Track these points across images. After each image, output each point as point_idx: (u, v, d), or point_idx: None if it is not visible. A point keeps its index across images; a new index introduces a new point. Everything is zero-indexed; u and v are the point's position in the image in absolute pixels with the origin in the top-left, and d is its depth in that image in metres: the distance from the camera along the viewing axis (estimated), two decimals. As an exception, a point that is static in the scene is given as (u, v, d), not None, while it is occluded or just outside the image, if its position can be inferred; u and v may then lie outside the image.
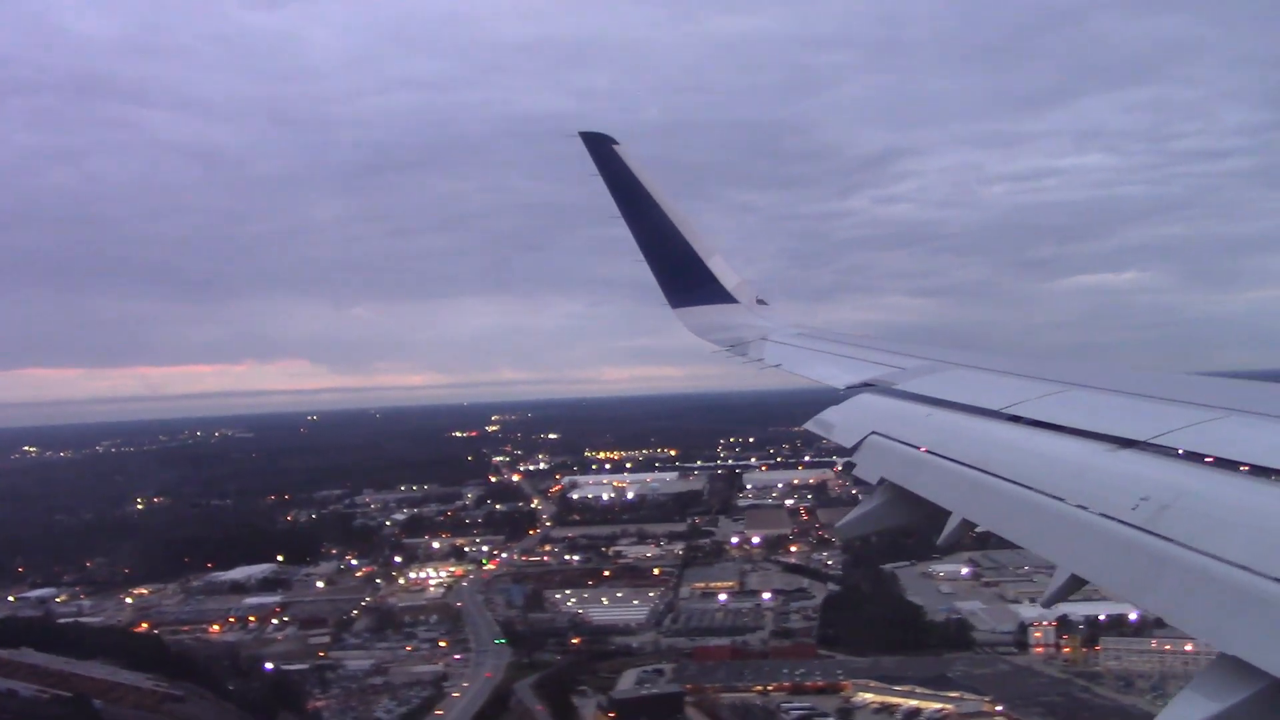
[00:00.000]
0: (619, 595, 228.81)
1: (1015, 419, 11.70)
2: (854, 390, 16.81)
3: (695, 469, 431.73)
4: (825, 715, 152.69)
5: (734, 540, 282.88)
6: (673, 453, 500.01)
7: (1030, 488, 9.50)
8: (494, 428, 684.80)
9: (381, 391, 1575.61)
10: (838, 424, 15.55)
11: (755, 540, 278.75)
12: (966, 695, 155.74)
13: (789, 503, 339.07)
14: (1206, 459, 8.25)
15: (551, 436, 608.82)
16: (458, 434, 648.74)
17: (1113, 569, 7.70)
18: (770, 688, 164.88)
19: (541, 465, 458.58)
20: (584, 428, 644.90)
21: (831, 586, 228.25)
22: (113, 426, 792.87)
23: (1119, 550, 7.65)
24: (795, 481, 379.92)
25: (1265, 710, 5.73)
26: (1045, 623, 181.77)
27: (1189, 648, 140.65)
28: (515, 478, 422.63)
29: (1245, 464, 7.94)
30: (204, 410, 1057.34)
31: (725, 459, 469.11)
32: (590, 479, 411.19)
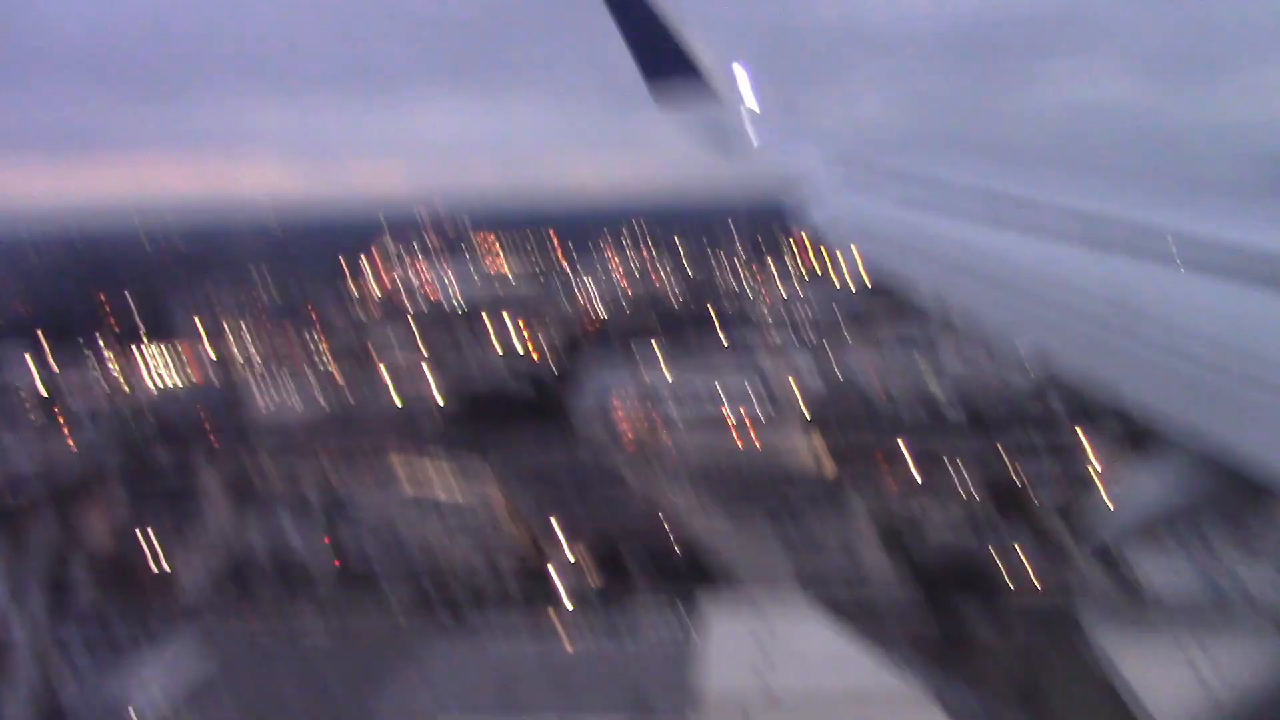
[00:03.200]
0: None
1: (992, 199, 12.30)
2: (836, 186, 16.96)
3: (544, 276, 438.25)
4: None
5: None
6: (556, 246, 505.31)
7: (1005, 272, 10.29)
8: (431, 222, 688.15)
9: (349, 191, 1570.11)
10: (820, 214, 15.86)
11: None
12: (485, 471, 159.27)
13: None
14: (1177, 260, 8.37)
15: (490, 237, 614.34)
16: (389, 229, 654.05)
17: (1082, 353, 8.39)
18: (324, 467, 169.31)
19: (411, 269, 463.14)
20: (509, 229, 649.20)
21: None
22: (49, 219, 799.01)
23: (1089, 336, 8.27)
24: (624, 284, 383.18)
25: (1216, 487, 6.48)
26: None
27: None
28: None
29: (1217, 266, 8.01)
30: (167, 204, 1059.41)
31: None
32: (438, 273, 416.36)
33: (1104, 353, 8.59)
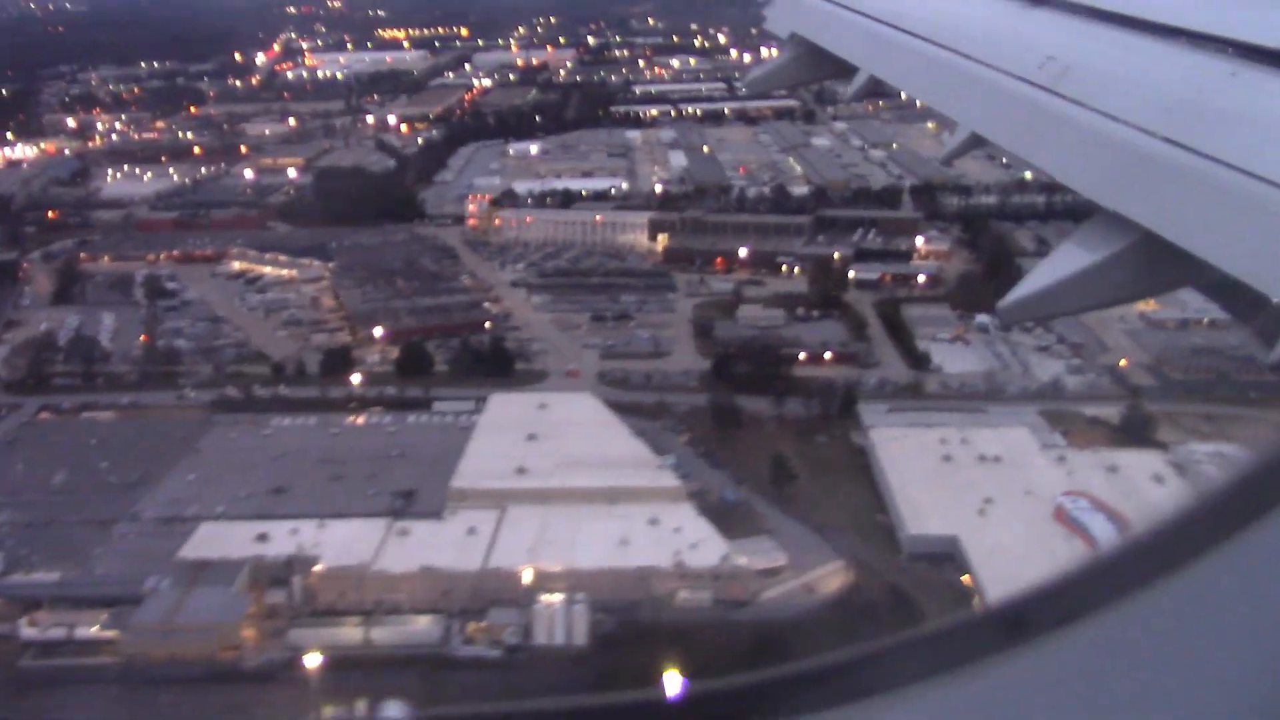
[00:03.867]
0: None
1: None
2: None
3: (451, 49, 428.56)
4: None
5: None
6: (464, 32, 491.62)
7: (939, 44, 9.25)
8: (335, 3, 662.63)
9: None
10: None
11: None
12: (315, 263, 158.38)
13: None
14: (1115, 19, 7.94)
15: (380, 14, 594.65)
16: (292, 9, 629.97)
17: (1012, 127, 7.76)
18: (158, 256, 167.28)
19: (303, 46, 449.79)
20: (430, 5, 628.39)
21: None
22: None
23: (1020, 109, 7.62)
24: (519, 63, 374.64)
25: (1138, 258, 6.02)
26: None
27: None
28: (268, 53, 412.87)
29: (1152, 23, 7.59)
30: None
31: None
32: (333, 56, 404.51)
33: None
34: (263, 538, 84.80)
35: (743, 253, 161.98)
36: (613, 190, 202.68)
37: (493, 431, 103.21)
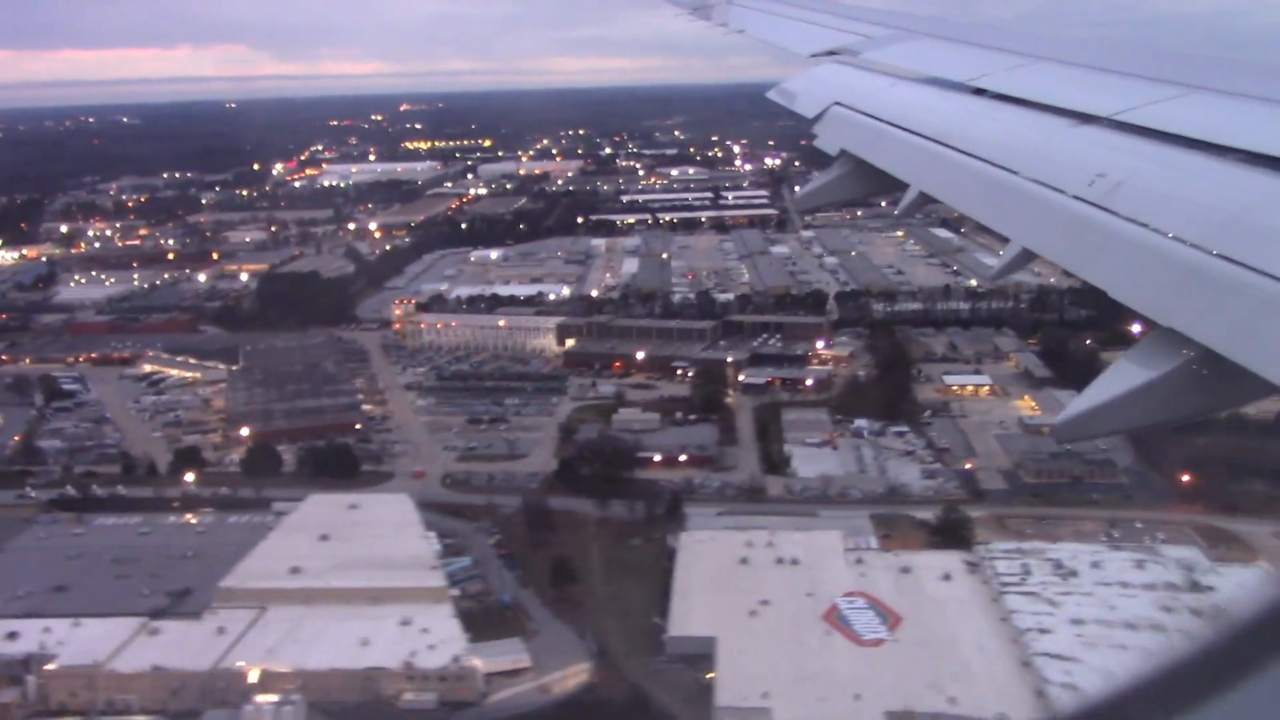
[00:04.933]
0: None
1: (979, 92, 11.63)
2: (819, 59, 16.66)
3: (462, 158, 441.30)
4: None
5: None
6: (486, 144, 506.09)
7: (989, 161, 9.46)
8: (379, 117, 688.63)
9: (324, 80, 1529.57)
10: (800, 93, 15.35)
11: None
12: (220, 365, 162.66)
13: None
14: (1164, 136, 8.12)
15: (416, 126, 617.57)
16: (335, 122, 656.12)
17: (1064, 243, 7.73)
18: (77, 358, 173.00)
19: (327, 157, 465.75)
20: (469, 118, 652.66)
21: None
22: (9, 112, 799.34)
23: (1072, 225, 7.68)
24: (522, 173, 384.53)
25: (1197, 377, 5.95)
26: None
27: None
28: (281, 166, 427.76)
29: (1202, 141, 7.80)
30: (137, 95, 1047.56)
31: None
32: (346, 167, 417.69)
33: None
34: (12, 636, 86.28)
35: (640, 357, 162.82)
36: (551, 296, 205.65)
37: (291, 531, 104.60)
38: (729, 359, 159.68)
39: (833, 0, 23.31)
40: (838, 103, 13.80)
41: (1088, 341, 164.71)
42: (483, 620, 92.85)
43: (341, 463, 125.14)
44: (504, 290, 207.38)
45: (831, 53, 16.60)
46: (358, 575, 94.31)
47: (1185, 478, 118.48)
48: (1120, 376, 6.35)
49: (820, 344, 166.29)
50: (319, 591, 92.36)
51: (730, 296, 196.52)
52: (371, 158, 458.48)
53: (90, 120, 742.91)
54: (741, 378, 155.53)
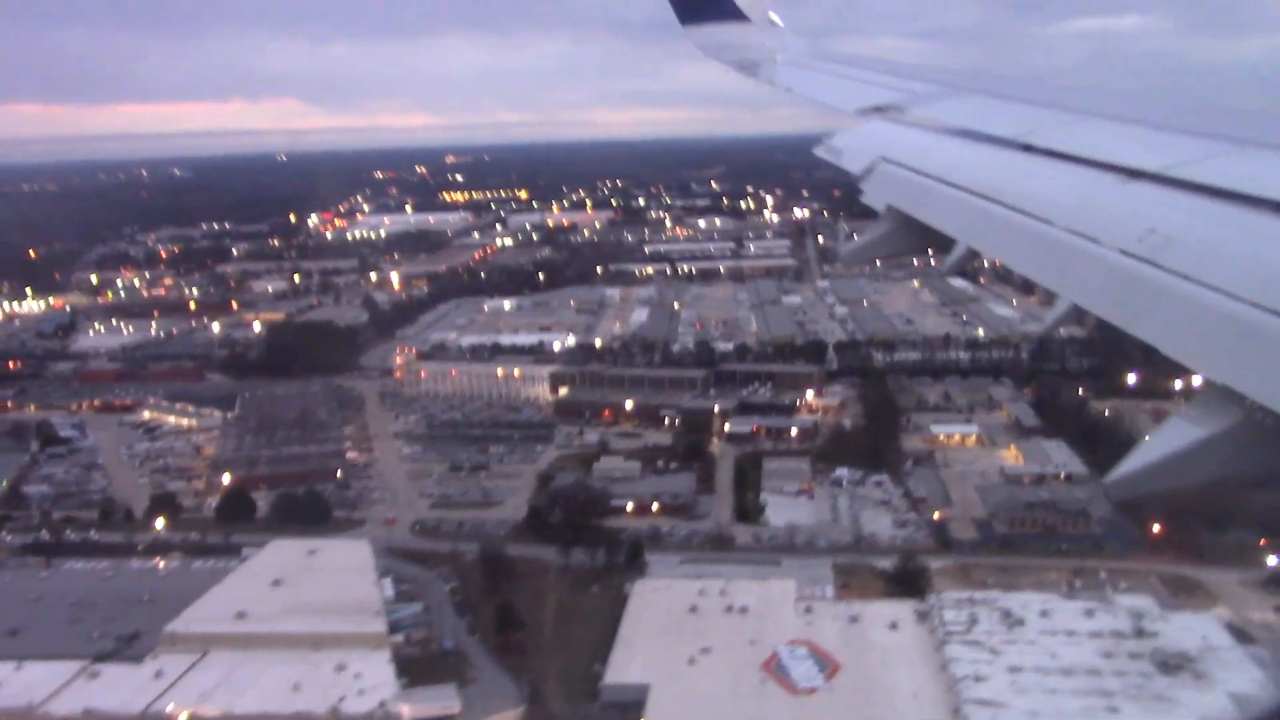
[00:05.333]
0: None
1: (1028, 148, 11.63)
2: (865, 115, 16.80)
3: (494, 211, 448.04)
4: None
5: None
6: (522, 194, 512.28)
7: (1037, 217, 9.43)
8: (422, 169, 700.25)
9: (376, 132, 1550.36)
10: (847, 149, 15.53)
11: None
12: (215, 413, 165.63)
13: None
14: (1215, 191, 8.02)
15: (458, 178, 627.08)
16: (379, 174, 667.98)
17: (1114, 299, 7.68)
18: (80, 405, 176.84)
19: (365, 208, 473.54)
20: (510, 169, 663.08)
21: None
22: (69, 165, 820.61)
23: (1121, 280, 7.64)
24: (550, 224, 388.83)
25: (1253, 435, 5.99)
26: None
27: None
28: (319, 218, 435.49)
29: (1253, 198, 7.69)
30: (191, 148, 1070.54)
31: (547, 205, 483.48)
32: (379, 218, 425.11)
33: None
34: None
35: (629, 405, 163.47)
36: (556, 345, 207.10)
37: (245, 577, 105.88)
38: (715, 408, 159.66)
39: (879, 58, 23.53)
40: (885, 158, 14.03)
41: (1079, 391, 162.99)
42: (423, 666, 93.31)
43: (314, 509, 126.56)
44: (508, 339, 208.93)
45: (878, 109, 16.77)
46: (302, 620, 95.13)
47: (1157, 528, 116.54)
48: (1173, 433, 6.29)
49: (810, 393, 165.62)
50: (261, 636, 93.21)
51: (729, 346, 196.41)
52: (408, 209, 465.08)
53: (143, 173, 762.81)
54: (727, 427, 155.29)
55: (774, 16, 27.00)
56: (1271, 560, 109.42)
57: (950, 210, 11.35)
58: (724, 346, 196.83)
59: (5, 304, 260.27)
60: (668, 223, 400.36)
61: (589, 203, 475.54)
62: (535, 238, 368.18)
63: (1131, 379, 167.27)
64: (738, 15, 26.00)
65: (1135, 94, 13.18)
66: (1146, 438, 6.45)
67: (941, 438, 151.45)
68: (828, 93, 19.54)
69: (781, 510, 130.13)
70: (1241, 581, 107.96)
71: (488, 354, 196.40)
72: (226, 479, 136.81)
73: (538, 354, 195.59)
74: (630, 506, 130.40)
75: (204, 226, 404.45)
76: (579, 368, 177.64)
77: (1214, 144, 9.29)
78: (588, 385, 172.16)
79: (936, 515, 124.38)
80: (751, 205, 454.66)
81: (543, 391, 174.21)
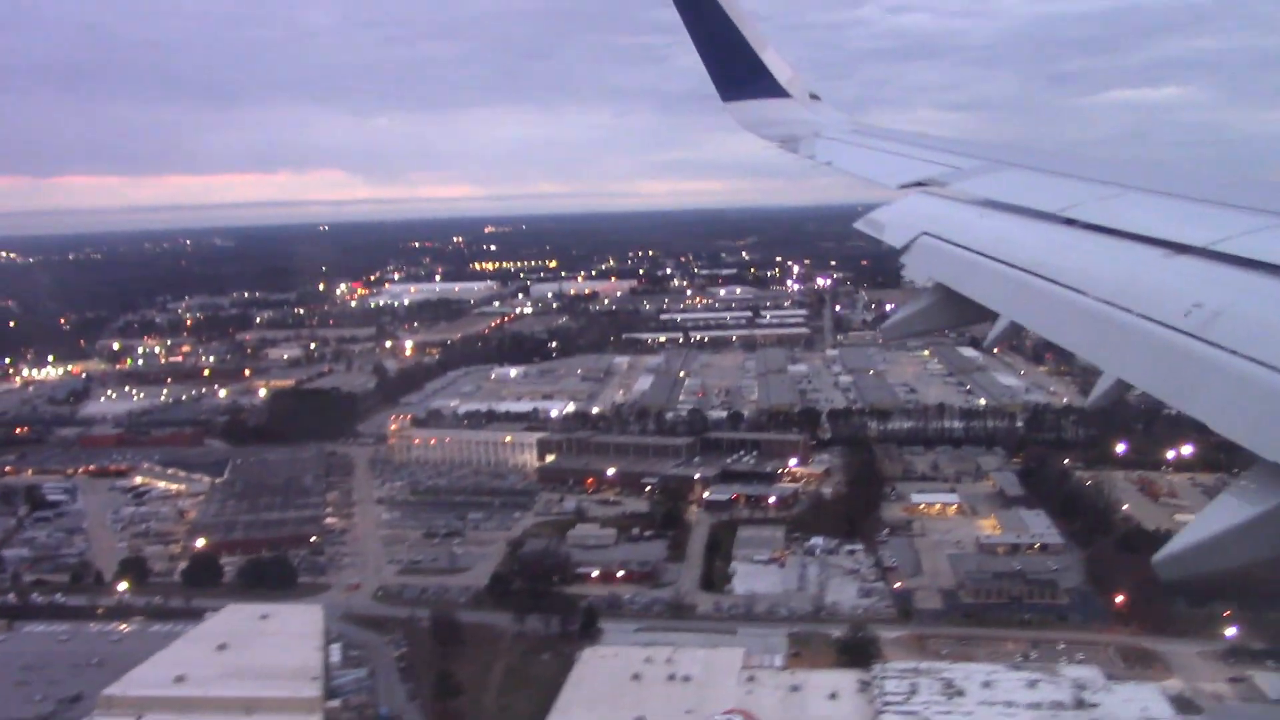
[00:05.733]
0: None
1: (1070, 222, 11.56)
2: (907, 189, 16.70)
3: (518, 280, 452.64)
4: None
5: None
6: (552, 264, 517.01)
7: (1081, 291, 9.37)
8: (459, 239, 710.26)
9: (418, 203, 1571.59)
10: (888, 223, 15.40)
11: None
12: (205, 478, 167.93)
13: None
14: (1262, 266, 7.91)
15: (491, 248, 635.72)
16: (417, 244, 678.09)
17: (1160, 374, 7.60)
18: (75, 470, 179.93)
19: (395, 277, 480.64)
20: (546, 239, 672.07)
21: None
22: (116, 235, 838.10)
23: (1168, 356, 7.53)
24: (572, 292, 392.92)
25: None
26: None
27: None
28: (342, 288, 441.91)
29: None
30: (238, 219, 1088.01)
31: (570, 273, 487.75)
32: (405, 286, 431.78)
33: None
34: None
35: (611, 472, 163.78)
36: (554, 412, 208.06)
37: (193, 641, 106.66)
38: (696, 476, 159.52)
39: (918, 132, 23.95)
40: (926, 233, 13.86)
41: (1065, 461, 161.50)
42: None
43: (280, 574, 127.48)
44: (508, 406, 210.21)
45: (919, 184, 16.61)
46: (240, 685, 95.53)
47: (1120, 599, 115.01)
48: (1224, 512, 6.12)
49: (794, 461, 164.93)
50: (196, 700, 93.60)
51: (724, 414, 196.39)
52: (436, 278, 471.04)
53: (187, 242, 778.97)
54: (706, 494, 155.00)
55: (815, 92, 27.67)
56: (1230, 631, 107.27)
57: (993, 284, 11.28)
58: (719, 414, 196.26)
59: (26, 370, 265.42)
60: (688, 292, 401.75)
61: (614, 272, 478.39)
62: (555, 306, 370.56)
63: (1121, 448, 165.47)
64: (778, 91, 26.74)
65: (1177, 166, 12.31)
66: (1194, 516, 6.35)
67: (921, 507, 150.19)
68: (868, 167, 19.54)
69: (749, 578, 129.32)
70: (1202, 653, 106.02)
71: (484, 420, 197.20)
72: (200, 543, 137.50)
73: (532, 421, 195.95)
74: (596, 573, 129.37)
75: (234, 295, 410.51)
76: (566, 435, 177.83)
77: (1259, 218, 9.19)
78: (574, 452, 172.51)
79: (902, 584, 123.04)
80: (777, 274, 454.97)
81: (530, 458, 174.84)
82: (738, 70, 26.36)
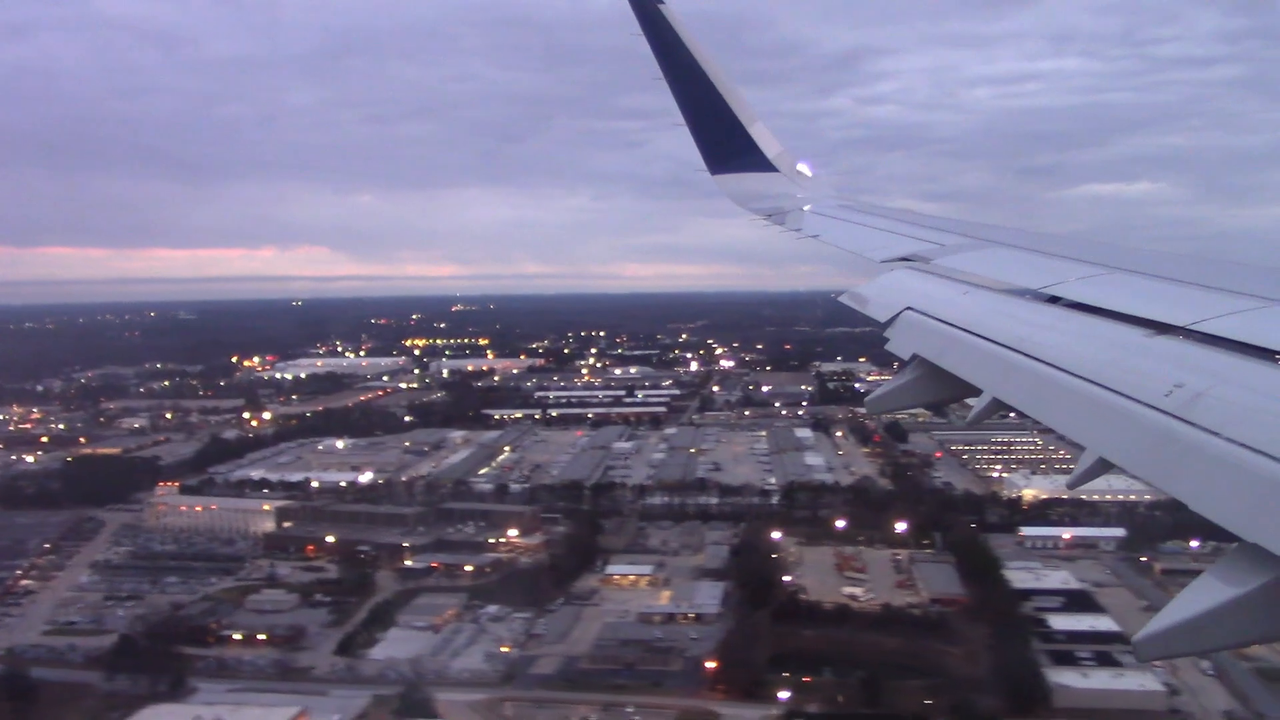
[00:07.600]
0: None
1: (1053, 300, 11.63)
2: (890, 265, 16.74)
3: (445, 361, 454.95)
4: None
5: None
6: (483, 343, 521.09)
7: (1064, 370, 9.36)
8: (417, 316, 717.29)
9: (401, 280, 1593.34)
10: (872, 298, 15.43)
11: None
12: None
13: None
14: (1244, 347, 7.99)
15: (441, 325, 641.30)
16: (373, 320, 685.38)
17: (1141, 454, 7.56)
18: None
19: (321, 351, 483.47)
20: (498, 319, 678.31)
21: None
22: (82, 307, 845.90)
23: (1149, 436, 7.52)
24: (470, 369, 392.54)
25: None
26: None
27: None
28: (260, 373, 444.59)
29: None
30: (218, 292, 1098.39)
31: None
32: (309, 360, 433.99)
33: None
34: None
35: (330, 540, 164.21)
36: (342, 483, 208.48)
37: None
38: (406, 544, 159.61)
39: (905, 209, 23.80)
40: (910, 308, 13.81)
41: (776, 535, 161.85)
42: None
43: None
44: (302, 475, 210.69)
45: (904, 259, 16.64)
46: None
47: (713, 665, 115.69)
48: (1203, 593, 6.12)
49: (514, 532, 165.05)
50: None
51: (490, 486, 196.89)
52: (350, 355, 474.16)
53: (151, 314, 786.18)
54: (407, 562, 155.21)
55: (803, 168, 27.94)
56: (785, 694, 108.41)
57: (976, 360, 11.12)
58: (484, 487, 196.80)
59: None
60: (584, 370, 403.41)
61: (541, 352, 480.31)
62: (432, 381, 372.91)
63: (841, 524, 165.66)
64: (766, 166, 26.99)
65: (1162, 253, 13.35)
66: (1175, 596, 6.27)
67: (615, 578, 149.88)
68: (854, 241, 19.38)
69: (395, 644, 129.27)
70: (764, 716, 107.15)
71: (256, 489, 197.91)
72: None
73: (301, 492, 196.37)
74: (239, 636, 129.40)
75: (144, 365, 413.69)
76: (304, 503, 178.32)
77: (1240, 300, 9.24)
78: (310, 520, 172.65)
79: (504, 649, 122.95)
80: (703, 354, 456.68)
81: (271, 526, 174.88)
82: (726, 143, 26.78)
